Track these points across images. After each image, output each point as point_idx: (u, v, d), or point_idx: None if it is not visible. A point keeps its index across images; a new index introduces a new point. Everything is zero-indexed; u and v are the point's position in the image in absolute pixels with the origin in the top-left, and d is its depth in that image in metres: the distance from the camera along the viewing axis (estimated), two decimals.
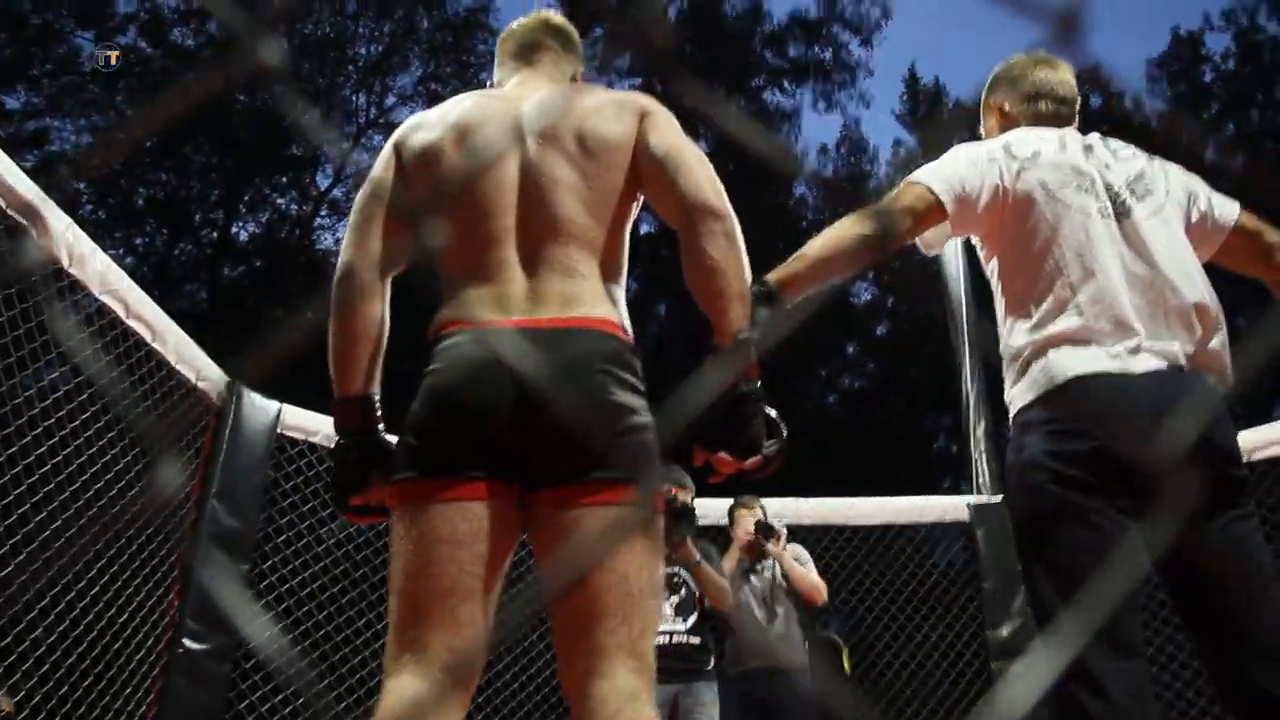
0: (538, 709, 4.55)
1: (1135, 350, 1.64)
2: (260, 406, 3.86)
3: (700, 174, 1.53)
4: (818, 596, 4.05)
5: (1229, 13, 18.77)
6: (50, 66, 15.38)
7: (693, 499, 3.64)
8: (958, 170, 1.80)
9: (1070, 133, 1.93)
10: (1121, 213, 1.78)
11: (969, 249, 2.15)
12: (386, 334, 1.59)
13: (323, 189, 17.72)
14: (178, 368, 3.51)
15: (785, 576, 4.04)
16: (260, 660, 3.78)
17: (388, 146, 1.65)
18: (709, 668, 3.73)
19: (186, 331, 3.58)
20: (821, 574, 4.23)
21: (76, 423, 3.09)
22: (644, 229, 15.66)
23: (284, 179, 17.68)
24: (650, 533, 1.42)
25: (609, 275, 1.55)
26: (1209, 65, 19.04)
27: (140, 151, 15.11)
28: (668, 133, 1.59)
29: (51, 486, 3.00)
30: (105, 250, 3.17)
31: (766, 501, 4.30)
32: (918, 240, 1.90)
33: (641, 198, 1.63)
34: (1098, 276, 1.69)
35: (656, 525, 1.45)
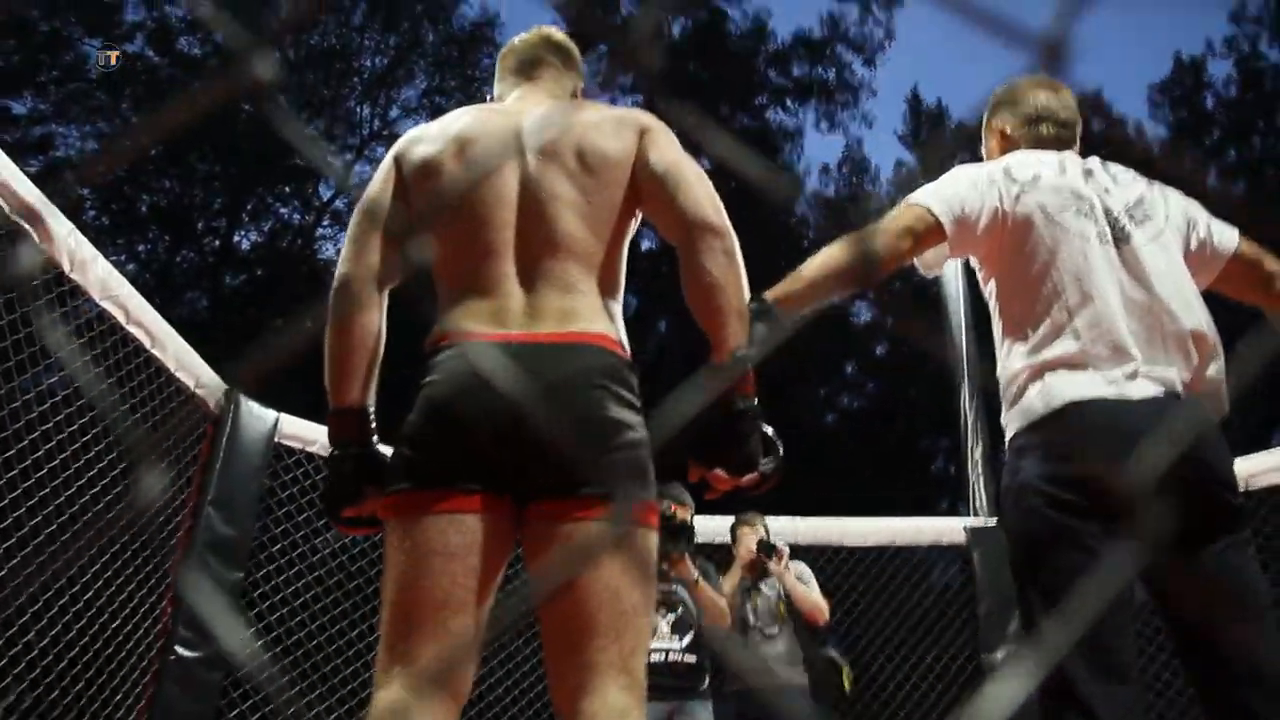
0: None
1: (1132, 376, 1.64)
2: (258, 415, 3.85)
3: (700, 191, 1.53)
4: (820, 616, 4.00)
5: (1231, 40, 18.93)
6: (57, 73, 15.45)
7: (692, 516, 3.62)
8: (958, 191, 1.80)
9: (1071, 156, 1.93)
10: (1120, 238, 1.78)
11: (969, 271, 2.15)
12: (382, 346, 1.59)
13: (325, 199, 17.78)
14: (176, 374, 3.52)
15: (787, 595, 4.01)
16: (248, 670, 3.76)
17: (388, 159, 1.66)
18: (704, 687, 3.70)
19: (187, 339, 3.58)
20: None
21: (74, 427, 3.09)
22: (644, 245, 15.69)
23: (287, 188, 17.72)
24: (644, 549, 1.42)
25: (607, 291, 1.55)
26: (1210, 91, 19.18)
27: (144, 159, 15.16)
28: (668, 149, 1.59)
29: (47, 491, 2.99)
30: (107, 257, 3.17)
31: None
32: (916, 261, 1.89)
33: (640, 214, 1.63)
34: (1095, 301, 1.69)
35: (650, 541, 1.44)
